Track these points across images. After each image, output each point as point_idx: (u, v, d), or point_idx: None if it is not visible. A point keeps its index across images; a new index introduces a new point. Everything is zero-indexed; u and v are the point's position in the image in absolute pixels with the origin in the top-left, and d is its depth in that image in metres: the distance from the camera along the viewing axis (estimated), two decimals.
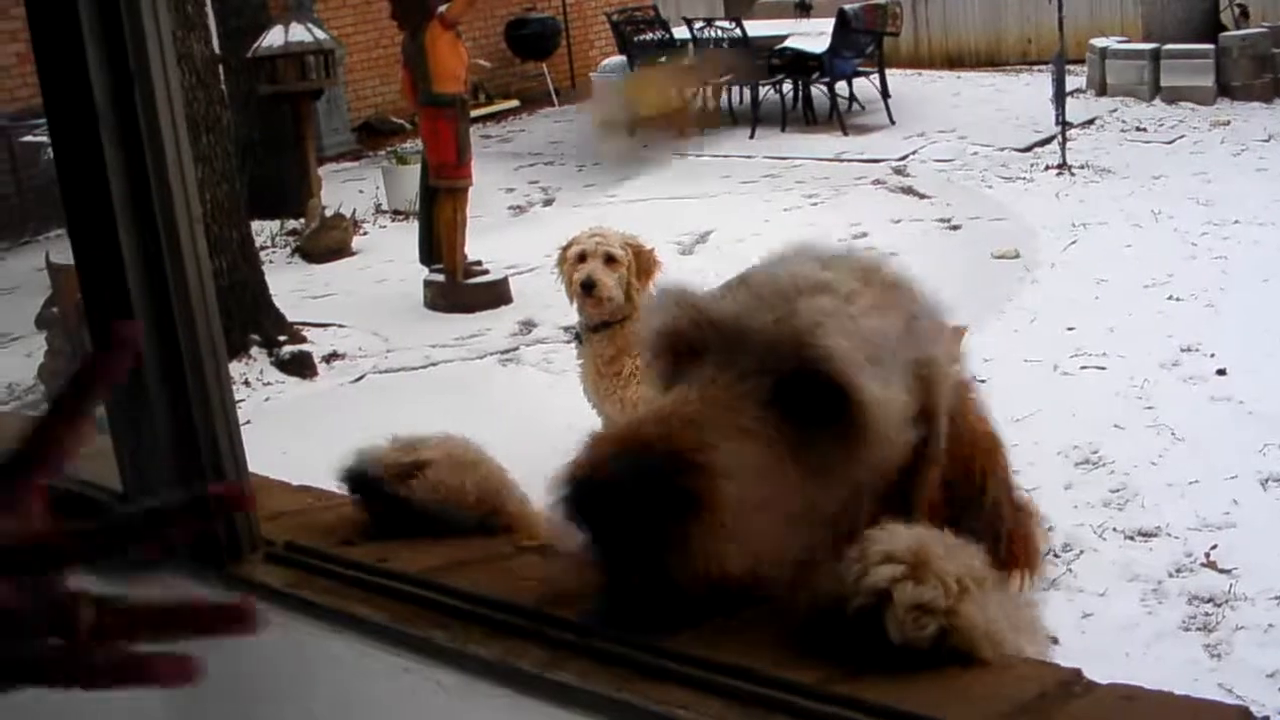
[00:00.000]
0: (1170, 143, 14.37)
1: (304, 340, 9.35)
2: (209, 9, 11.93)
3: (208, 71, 9.65)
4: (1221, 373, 7.77)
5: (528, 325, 9.61)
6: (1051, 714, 1.18)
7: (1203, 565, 5.74)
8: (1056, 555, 5.91)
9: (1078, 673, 1.24)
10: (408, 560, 1.54)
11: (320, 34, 12.33)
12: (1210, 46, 16.22)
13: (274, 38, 11.98)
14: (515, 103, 19.17)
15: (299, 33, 12.05)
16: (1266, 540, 5.90)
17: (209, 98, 9.53)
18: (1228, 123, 14.92)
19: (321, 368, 9.05)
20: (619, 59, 17.49)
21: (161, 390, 1.55)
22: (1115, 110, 15.86)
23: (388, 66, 14.55)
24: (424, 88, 9.93)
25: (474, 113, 14.41)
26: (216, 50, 10.84)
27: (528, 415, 8.10)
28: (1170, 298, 9.21)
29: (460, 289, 10.15)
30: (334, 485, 1.76)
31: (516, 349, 9.19)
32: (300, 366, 8.99)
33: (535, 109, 19.13)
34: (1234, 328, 8.59)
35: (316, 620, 1.48)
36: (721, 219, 12.08)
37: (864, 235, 11.27)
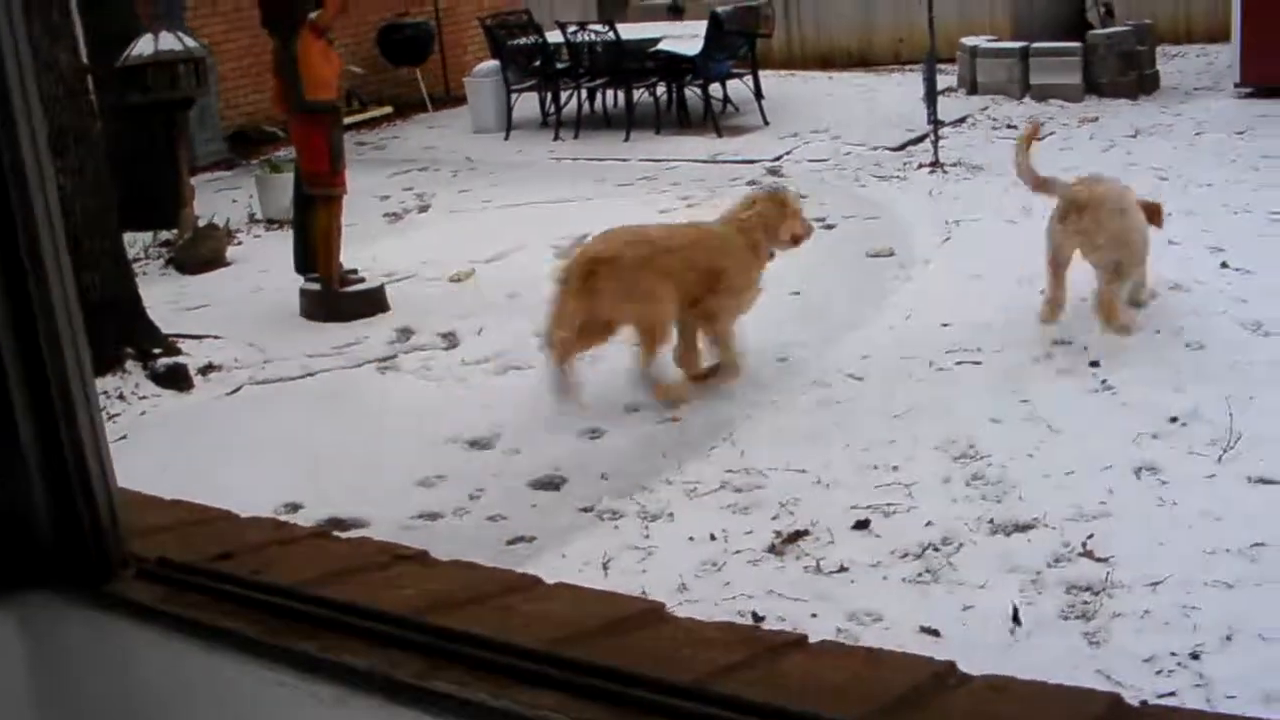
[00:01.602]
0: (1040, 139, 14.55)
1: (179, 352, 9.23)
2: (76, 18, 11.76)
3: (76, 81, 9.49)
4: (1094, 365, 7.87)
5: (405, 333, 9.57)
6: (925, 706, 1.19)
7: (1080, 555, 5.81)
8: (936, 549, 5.97)
9: (951, 665, 1.25)
10: (282, 572, 1.53)
11: (190, 42, 12.19)
12: (1077, 45, 16.46)
13: (143, 46, 11.82)
14: (389, 109, 19.06)
15: (169, 41, 11.90)
16: (1141, 528, 5.99)
17: (77, 108, 9.38)
18: (1096, 119, 15.14)
19: (198, 380, 8.94)
20: (492, 63, 17.46)
21: (27, 408, 1.53)
22: (986, 108, 16.04)
23: (259, 75, 14.41)
24: (296, 95, 9.84)
25: (347, 120, 14.33)
26: (85, 60, 10.68)
27: (406, 423, 8.07)
28: (1042, 292, 9.27)
29: (336, 297, 10.08)
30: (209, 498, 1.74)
31: (394, 357, 9.15)
32: (176, 379, 8.88)
33: (409, 115, 19.05)
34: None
35: (190, 636, 1.46)
36: (598, 221, 11.99)
37: None
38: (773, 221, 8.33)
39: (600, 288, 7.75)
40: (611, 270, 7.79)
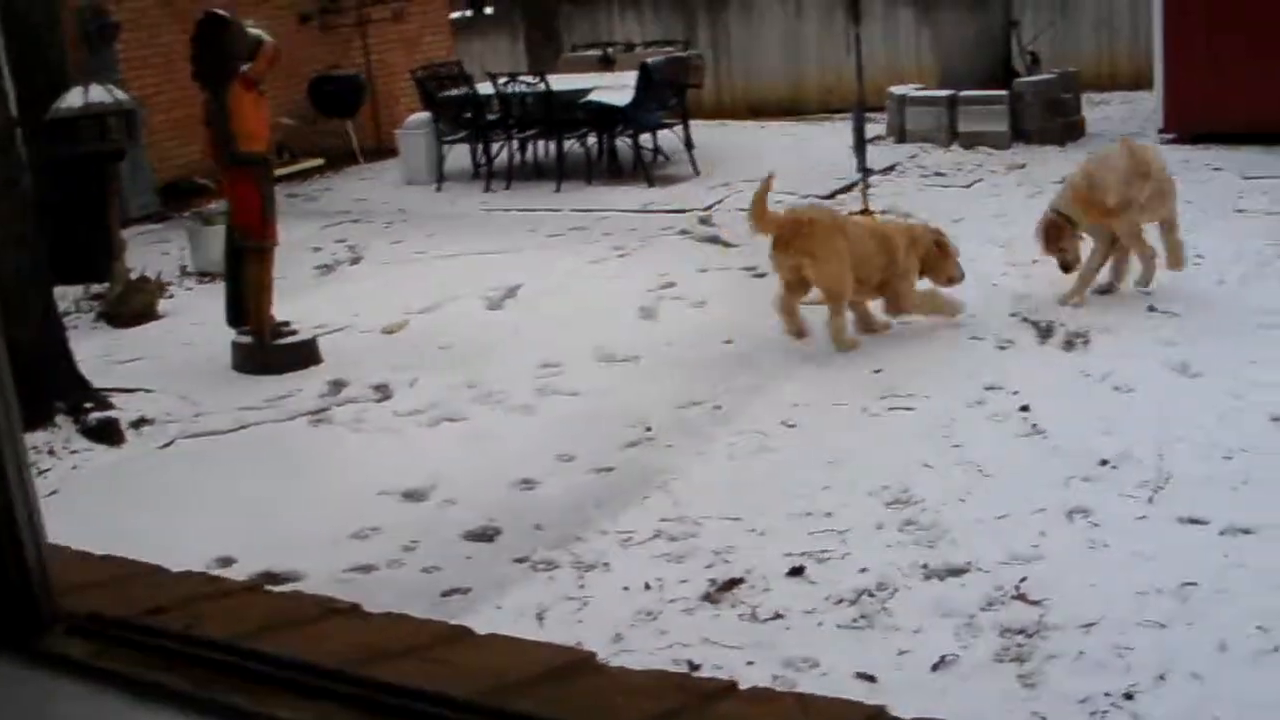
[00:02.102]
0: (968, 186, 14.66)
1: (111, 406, 9.17)
2: (5, 71, 11.68)
3: (5, 135, 9.44)
4: (1025, 409, 7.93)
5: (337, 385, 9.53)
6: None
7: (1013, 598, 5.84)
8: (871, 594, 5.98)
9: (881, 709, 1.26)
10: (215, 626, 1.52)
11: (121, 94, 12.15)
12: (1004, 93, 16.59)
13: (73, 99, 11.77)
14: (320, 161, 19.02)
15: (98, 94, 11.86)
16: (1074, 570, 6.03)
17: (7, 161, 9.33)
18: (1023, 166, 15.26)
19: (129, 434, 8.88)
20: (424, 115, 17.46)
21: None
22: (915, 156, 16.15)
23: (191, 127, 14.33)
24: (227, 148, 9.82)
25: (279, 172, 14.29)
26: (14, 112, 10.61)
27: (340, 476, 8.04)
28: (973, 337, 9.39)
29: (268, 350, 10.04)
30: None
31: (327, 409, 9.11)
32: (107, 433, 8.82)
33: (341, 167, 19.02)
34: (1035, 365, 8.79)
35: (122, 691, 1.45)
36: (530, 272, 12.09)
37: (671, 285, 11.35)
38: (931, 263, 9.63)
39: (798, 245, 9.30)
40: (811, 230, 9.36)
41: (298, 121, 17.98)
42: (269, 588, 1.78)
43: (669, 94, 16.80)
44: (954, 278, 9.75)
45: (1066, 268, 9.91)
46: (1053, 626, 5.56)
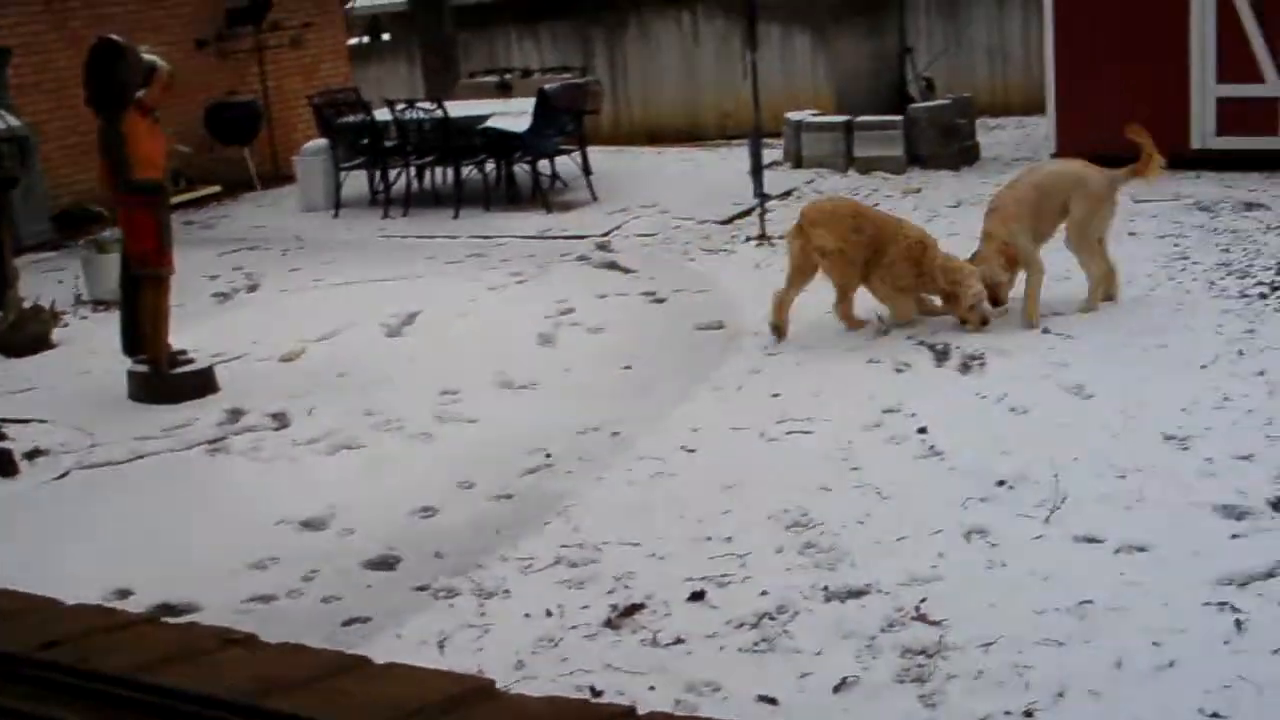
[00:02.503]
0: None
1: (4, 437, 9.03)
2: None
3: None
4: (922, 431, 7.99)
5: (235, 414, 9.45)
6: None
7: (913, 619, 5.87)
8: (772, 617, 6.00)
9: None
10: (111, 659, 1.51)
11: (12, 120, 12.02)
12: (899, 119, 16.73)
13: None
14: (217, 188, 18.88)
15: None
16: (972, 590, 6.08)
17: None
18: (919, 190, 15.37)
19: (23, 465, 8.75)
20: (321, 142, 17.38)
21: None
22: (812, 181, 16.24)
23: (85, 154, 14.16)
24: (122, 175, 9.73)
25: (175, 199, 14.16)
26: None
27: (238, 505, 7.98)
28: (871, 360, 9.44)
29: (165, 379, 9.94)
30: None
31: (225, 438, 9.03)
32: (1, 465, 8.70)
33: (238, 194, 18.88)
34: (930, 387, 8.87)
35: None
36: (429, 299, 12.05)
37: (570, 310, 11.36)
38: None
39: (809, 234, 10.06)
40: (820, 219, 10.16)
41: (194, 148, 17.82)
42: (166, 620, 1.76)
43: (566, 120, 16.82)
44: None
45: (996, 301, 10.04)
46: (952, 646, 5.60)
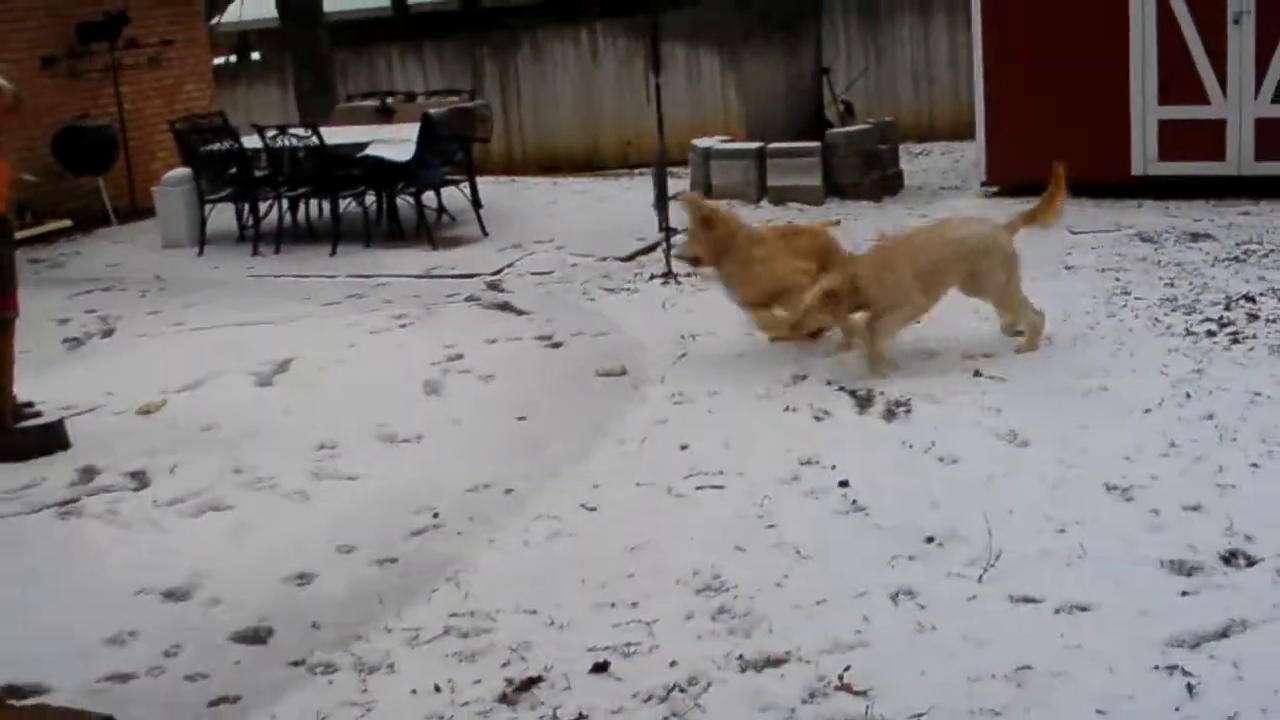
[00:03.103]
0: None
1: None
2: None
3: None
4: (844, 485, 8.01)
5: (89, 472, 9.36)
6: None
7: (837, 688, 5.87)
8: (682, 689, 5.99)
9: None
10: None
11: None
12: (816, 145, 16.86)
13: None
14: (68, 222, 18.75)
15: None
16: (901, 657, 6.08)
17: None
18: (838, 222, 15.44)
19: None
20: (184, 171, 17.30)
21: None
22: None
23: None
24: None
25: (20, 234, 14.05)
26: None
27: (92, 575, 7.88)
28: (788, 408, 9.48)
29: (9, 434, 9.83)
30: None
31: (77, 500, 8.93)
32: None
33: (91, 229, 18.76)
34: (852, 437, 8.90)
35: None
36: (302, 345, 12.00)
37: (459, 357, 11.34)
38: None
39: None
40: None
41: (41, 178, 17.68)
42: (12, 702, 1.74)
43: (454, 148, 16.85)
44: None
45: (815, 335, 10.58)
46: (881, 718, 5.61)
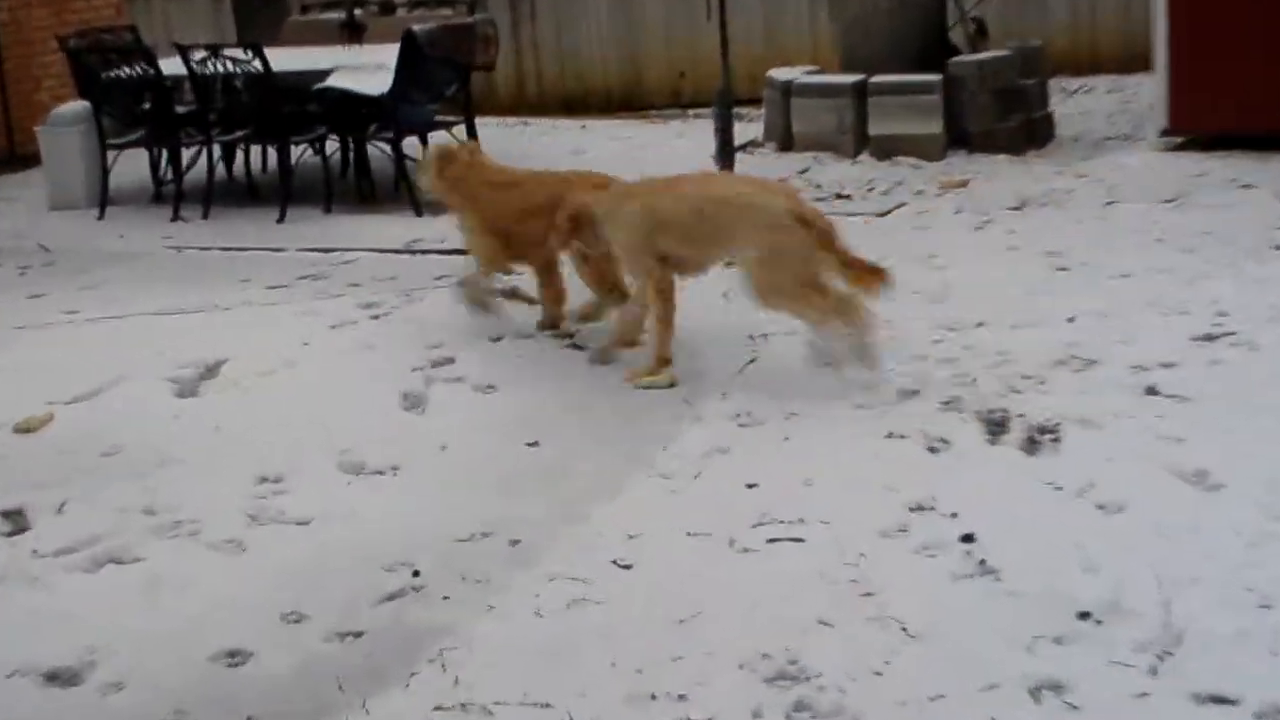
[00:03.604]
0: (884, 214, 14.85)
1: None
2: None
3: None
4: (967, 539, 7.99)
5: None
6: None
7: None
8: None
9: None
10: None
11: None
12: (936, 78, 16.79)
13: None
14: None
15: None
16: None
17: None
18: (964, 183, 15.46)
19: None
20: (80, 105, 17.33)
21: None
22: (806, 170, 16.33)
23: None
24: None
25: None
26: None
27: None
28: (890, 435, 9.47)
29: None
30: None
31: None
32: None
33: None
34: (981, 474, 8.89)
35: None
36: (238, 342, 12.02)
37: (449, 360, 11.35)
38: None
39: None
40: None
41: None
42: None
43: (446, 78, 16.86)
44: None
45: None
46: None
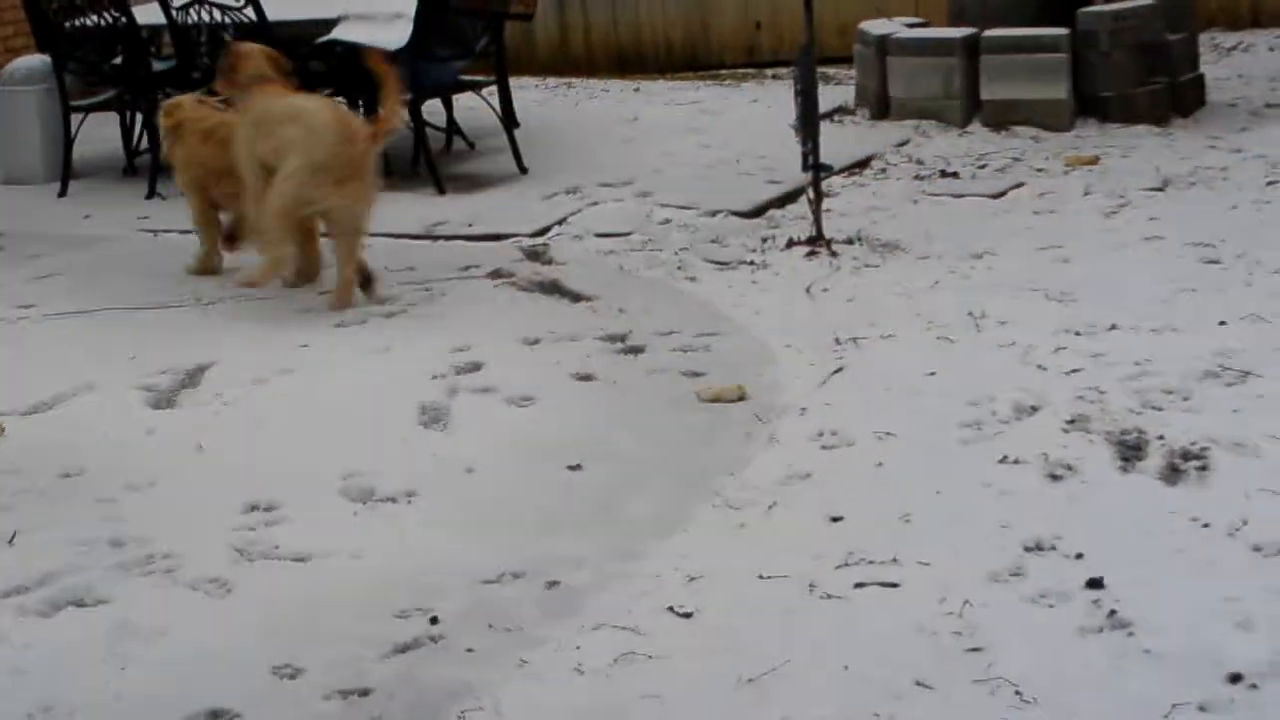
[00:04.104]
0: (999, 196, 14.85)
1: None
2: None
3: None
4: (1095, 584, 7.99)
5: None
6: None
7: None
8: None
9: None
10: None
11: None
12: (1063, 32, 16.76)
13: None
14: None
15: None
16: None
17: None
18: (1095, 160, 15.45)
19: None
20: (38, 60, 17.39)
21: None
22: (906, 142, 16.34)
23: None
24: None
25: None
26: None
27: None
28: (1005, 459, 9.46)
29: None
30: None
31: None
32: None
33: None
34: (1112, 508, 8.87)
35: None
36: (225, 344, 12.05)
37: (476, 366, 11.36)
38: None
39: None
40: None
41: None
42: None
43: (475, 30, 16.88)
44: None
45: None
46: None
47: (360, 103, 16.64)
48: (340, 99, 16.51)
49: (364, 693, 7.72)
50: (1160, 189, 14.40)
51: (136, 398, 11.22)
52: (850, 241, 13.35)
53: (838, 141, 15.00)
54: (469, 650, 7.98)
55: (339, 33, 16.09)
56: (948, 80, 16.79)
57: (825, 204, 13.63)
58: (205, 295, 13.39)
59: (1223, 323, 10.78)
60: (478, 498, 9.62)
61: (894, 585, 8.20)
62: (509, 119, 16.71)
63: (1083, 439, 9.66)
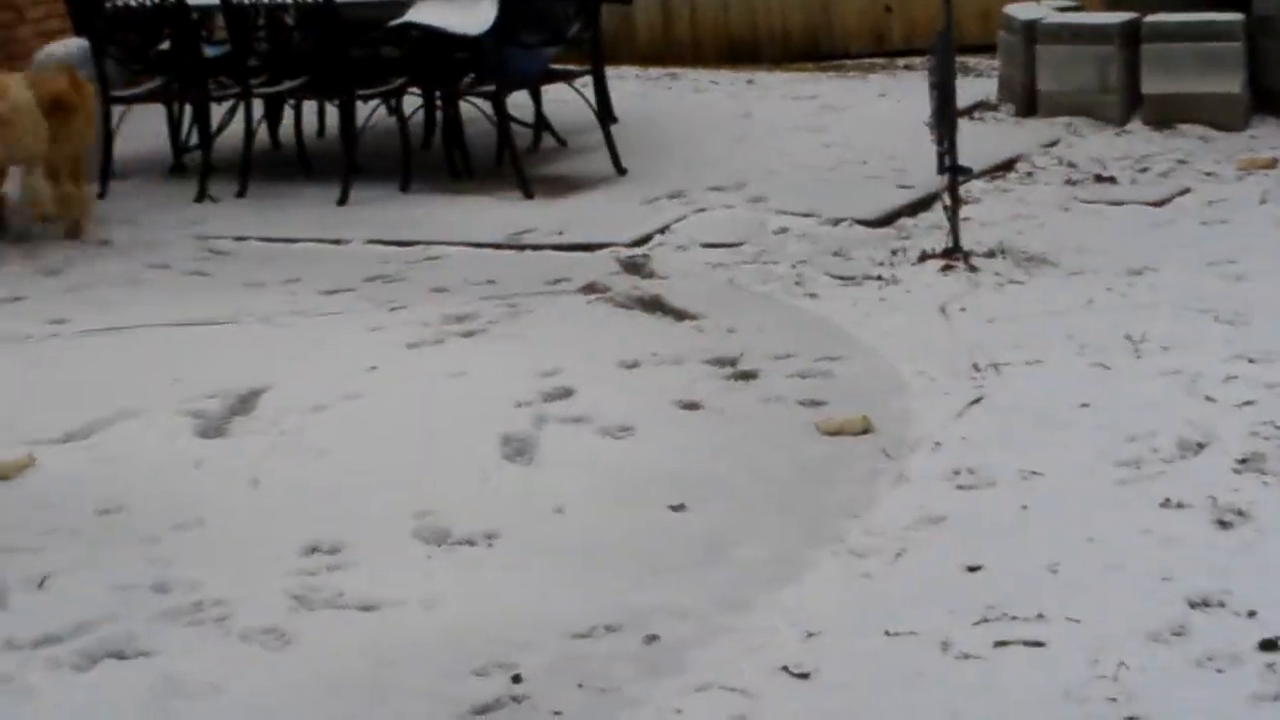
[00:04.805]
0: (1162, 204, 14.83)
1: None
2: None
3: None
4: (1269, 646, 7.97)
5: None
6: None
7: None
8: None
9: None
10: None
11: None
12: (1237, 17, 16.71)
13: None
14: None
15: None
16: None
17: None
18: (1273, 164, 15.40)
19: None
20: (76, 44, 17.48)
21: None
22: (1055, 142, 16.34)
23: None
24: None
25: None
26: None
27: None
28: (1166, 503, 9.44)
29: None
30: None
31: None
32: None
33: None
34: None
35: None
36: (283, 365, 12.09)
37: (566, 393, 11.37)
38: None
39: None
40: None
41: None
42: None
43: (568, 14, 16.91)
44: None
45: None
46: None
47: (434, 95, 16.71)
48: (414, 88, 16.58)
49: None
50: None
51: (182, 425, 11.25)
52: (992, 254, 13.34)
53: (978, 141, 15.00)
54: (556, 713, 7.99)
55: (414, 15, 16.11)
56: (1104, 72, 16.77)
57: (963, 212, 13.63)
58: (260, 311, 13.43)
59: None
60: (567, 541, 9.62)
61: (1039, 644, 8.19)
62: (605, 114, 16.75)
63: (1256, 480, 9.63)
